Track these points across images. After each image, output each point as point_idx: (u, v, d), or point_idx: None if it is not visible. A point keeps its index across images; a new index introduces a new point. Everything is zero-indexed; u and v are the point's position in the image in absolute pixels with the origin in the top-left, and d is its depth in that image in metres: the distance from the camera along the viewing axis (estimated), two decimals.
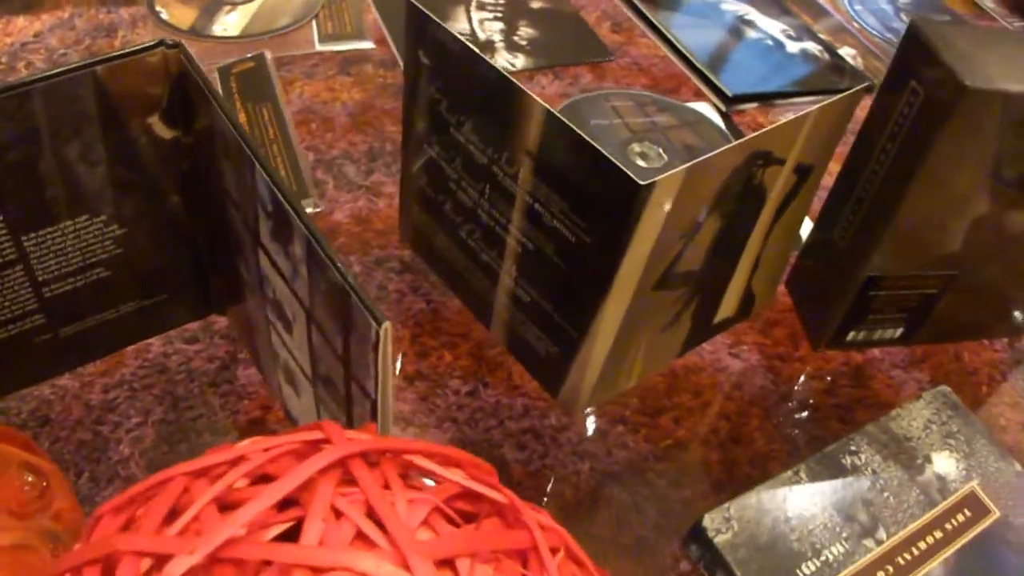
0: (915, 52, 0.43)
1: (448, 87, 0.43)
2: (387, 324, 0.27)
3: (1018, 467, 0.45)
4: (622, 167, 0.36)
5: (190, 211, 0.43)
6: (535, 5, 0.71)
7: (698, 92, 0.65)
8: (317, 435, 0.26)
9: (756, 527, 0.41)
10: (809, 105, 0.66)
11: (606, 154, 0.36)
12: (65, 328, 0.44)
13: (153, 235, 0.43)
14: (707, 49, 0.66)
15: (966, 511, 0.43)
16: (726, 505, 0.42)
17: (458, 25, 0.68)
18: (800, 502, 0.42)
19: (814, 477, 0.43)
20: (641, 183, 0.35)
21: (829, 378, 0.52)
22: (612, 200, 0.37)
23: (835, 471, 0.44)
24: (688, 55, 0.65)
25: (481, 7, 0.69)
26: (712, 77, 0.63)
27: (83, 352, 0.46)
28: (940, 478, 0.44)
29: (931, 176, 0.43)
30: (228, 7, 0.65)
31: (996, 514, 0.43)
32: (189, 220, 0.43)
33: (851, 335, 0.51)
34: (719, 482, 0.46)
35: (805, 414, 0.50)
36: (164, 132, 0.40)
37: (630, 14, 0.72)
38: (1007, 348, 0.55)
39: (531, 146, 0.40)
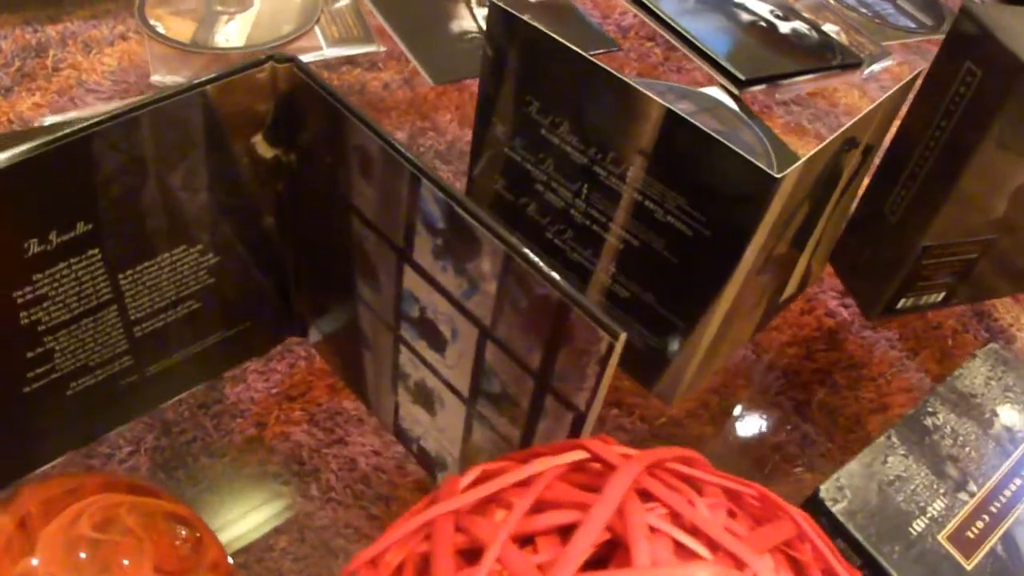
0: (969, 34, 0.45)
1: (541, 90, 0.43)
2: (623, 335, 0.27)
3: None
4: (754, 161, 0.36)
5: (283, 232, 0.41)
6: None
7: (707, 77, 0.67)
8: (580, 455, 0.26)
9: (866, 492, 0.43)
10: (809, 84, 0.69)
11: (737, 150, 0.37)
12: (151, 367, 0.41)
13: (245, 260, 0.41)
14: (709, 34, 0.68)
15: None
16: (836, 475, 0.44)
17: (462, 22, 0.67)
18: (898, 464, 0.45)
19: (904, 440, 0.46)
20: (776, 176, 0.36)
21: (806, 344, 0.54)
22: (742, 193, 0.37)
23: (920, 432, 0.46)
24: (695, 41, 0.66)
25: (482, 3, 0.69)
26: (723, 62, 0.65)
27: (167, 389, 0.43)
28: (1008, 429, 0.48)
29: (987, 149, 0.46)
30: (226, 16, 0.62)
31: None
32: (281, 241, 0.42)
33: (902, 302, 0.53)
34: (718, 455, 0.47)
35: (788, 380, 0.51)
36: (266, 151, 0.38)
37: (629, 4, 0.73)
38: (966, 303, 0.59)
39: (645, 145, 0.40)
